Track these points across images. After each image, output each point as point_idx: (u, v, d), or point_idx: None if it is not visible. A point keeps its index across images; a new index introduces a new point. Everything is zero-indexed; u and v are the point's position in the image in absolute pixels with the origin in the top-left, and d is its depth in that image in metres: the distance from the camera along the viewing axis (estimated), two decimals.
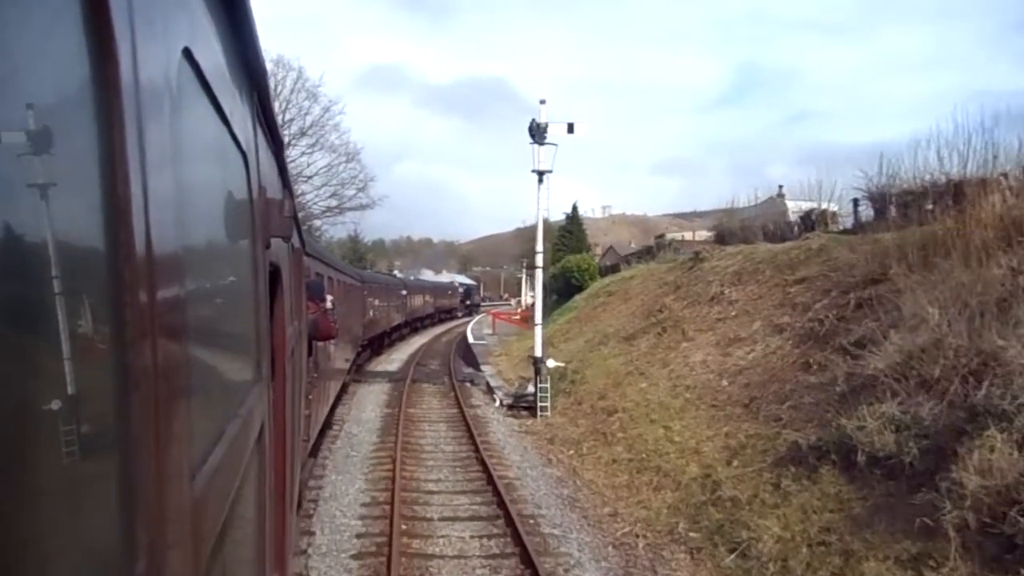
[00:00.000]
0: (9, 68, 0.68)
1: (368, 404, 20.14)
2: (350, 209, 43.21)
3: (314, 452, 12.42)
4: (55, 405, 0.77)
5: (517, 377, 24.55)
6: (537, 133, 18.86)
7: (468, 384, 24.21)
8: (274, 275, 2.98)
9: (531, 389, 20.55)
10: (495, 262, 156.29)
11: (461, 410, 18.76)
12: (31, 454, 0.72)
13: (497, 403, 20.29)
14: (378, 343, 32.57)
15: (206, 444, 1.37)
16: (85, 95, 0.82)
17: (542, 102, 18.98)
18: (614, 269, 42.03)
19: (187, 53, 1.21)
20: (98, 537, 0.88)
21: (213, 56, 1.50)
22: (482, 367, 27.64)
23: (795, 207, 28.92)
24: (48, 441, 0.76)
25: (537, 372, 18.84)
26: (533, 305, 66.50)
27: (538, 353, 19.20)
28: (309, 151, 39.24)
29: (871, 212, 20.76)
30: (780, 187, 45.14)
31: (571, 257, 41.81)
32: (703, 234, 44.21)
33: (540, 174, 19.28)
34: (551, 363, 19.01)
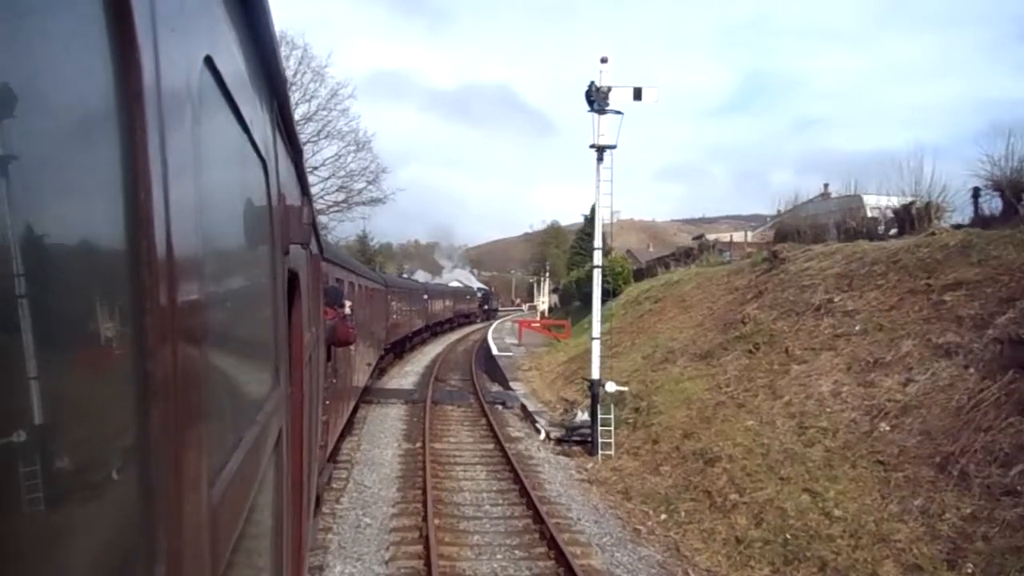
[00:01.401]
0: (33, 76, 0.68)
1: (382, 436, 16.31)
2: (360, 204, 39.24)
3: (331, 458, 11.51)
4: (74, 410, 0.77)
5: (557, 399, 20.77)
6: (597, 99, 15.01)
7: (500, 407, 20.41)
8: (292, 281, 2.90)
9: (582, 417, 16.79)
10: (503, 267, 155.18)
11: (500, 445, 14.96)
12: (51, 457, 0.72)
13: (542, 435, 16.45)
14: (399, 347, 31.10)
15: (225, 451, 1.37)
16: (108, 103, 0.82)
17: (603, 60, 15.17)
18: (647, 272, 38.20)
19: (208, 61, 1.21)
20: (119, 542, 0.88)
21: (234, 64, 1.49)
22: (511, 384, 23.86)
23: (874, 202, 25.77)
24: (68, 445, 0.75)
25: (595, 399, 15.04)
26: (550, 310, 63.24)
27: (595, 374, 15.38)
28: (315, 139, 35.33)
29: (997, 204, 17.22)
30: (825, 185, 42.70)
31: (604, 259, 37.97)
32: (750, 235, 40.68)
33: (600, 150, 15.41)
34: (611, 387, 15.18)
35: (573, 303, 50.32)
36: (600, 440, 14.45)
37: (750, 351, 14.91)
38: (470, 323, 65.90)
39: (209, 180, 1.21)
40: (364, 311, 16.04)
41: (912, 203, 19.72)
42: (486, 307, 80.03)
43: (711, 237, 39.70)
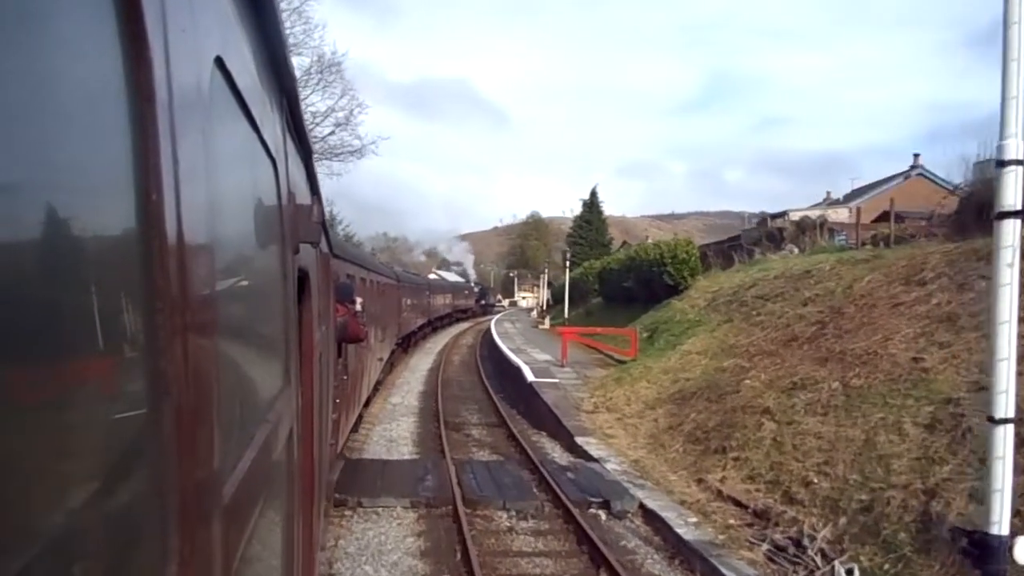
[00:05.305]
0: (44, 78, 0.67)
1: None
2: (329, 158, 28.79)
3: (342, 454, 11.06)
4: (85, 411, 0.76)
5: (700, 490, 10.81)
6: None
7: (603, 515, 10.34)
8: (302, 280, 2.92)
9: None
10: (475, 260, 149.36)
11: None
12: (64, 458, 0.71)
13: None
14: (407, 343, 30.34)
15: (236, 450, 1.36)
16: (120, 104, 0.82)
17: None
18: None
19: (219, 62, 1.21)
20: (130, 541, 0.87)
21: (244, 65, 1.50)
22: (580, 442, 13.81)
23: None
24: (79, 445, 0.75)
25: None
26: (545, 308, 54.63)
27: (999, 529, 5.43)
28: None
29: None
30: (916, 156, 40.04)
31: (658, 243, 27.23)
32: (842, 212, 33.39)
33: None
34: None
35: (591, 300, 40.41)
36: None
37: None
38: (466, 318, 65.06)
39: (220, 180, 1.21)
40: (377, 306, 15.36)
41: None
42: (483, 302, 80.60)
43: (799, 216, 30.46)
